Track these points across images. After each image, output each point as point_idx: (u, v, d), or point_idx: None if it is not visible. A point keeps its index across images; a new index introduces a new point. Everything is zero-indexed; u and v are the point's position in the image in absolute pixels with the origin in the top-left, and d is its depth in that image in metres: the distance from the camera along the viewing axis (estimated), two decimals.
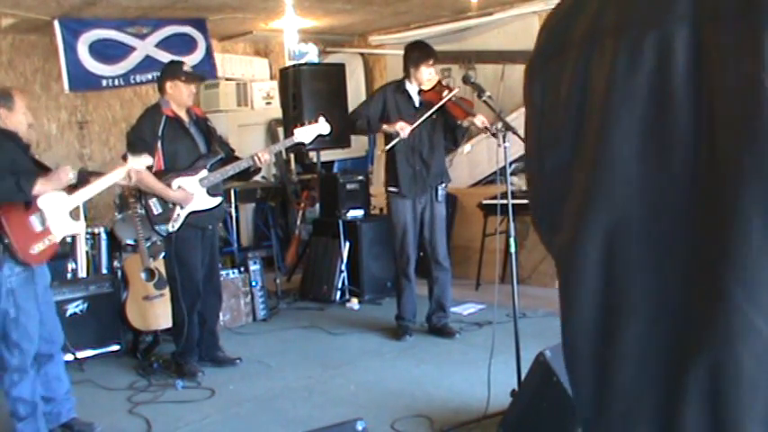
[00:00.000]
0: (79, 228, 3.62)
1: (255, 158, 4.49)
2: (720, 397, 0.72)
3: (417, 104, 5.02)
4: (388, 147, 4.92)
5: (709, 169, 0.72)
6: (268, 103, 8.28)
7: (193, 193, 4.40)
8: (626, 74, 0.78)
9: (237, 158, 4.62)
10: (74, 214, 3.57)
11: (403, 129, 4.84)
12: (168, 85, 4.48)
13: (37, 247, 3.42)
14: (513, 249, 3.72)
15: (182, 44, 6.83)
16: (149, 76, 6.75)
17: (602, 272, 0.83)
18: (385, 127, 4.93)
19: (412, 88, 5.04)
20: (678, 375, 0.75)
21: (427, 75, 4.96)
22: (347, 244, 6.34)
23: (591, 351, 0.86)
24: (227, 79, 8.11)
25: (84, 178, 3.72)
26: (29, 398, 3.48)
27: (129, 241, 5.34)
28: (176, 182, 4.36)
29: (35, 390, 3.51)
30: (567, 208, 0.87)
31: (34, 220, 3.45)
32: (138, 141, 4.35)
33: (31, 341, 3.45)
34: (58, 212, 3.48)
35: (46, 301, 3.61)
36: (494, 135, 3.92)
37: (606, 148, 0.81)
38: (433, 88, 4.98)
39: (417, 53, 5.01)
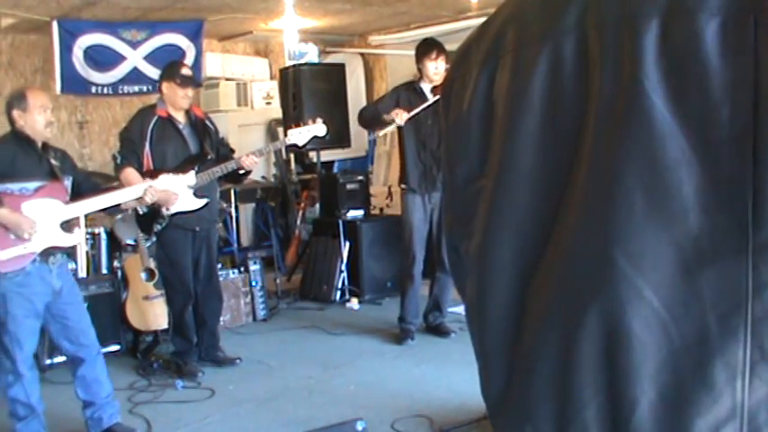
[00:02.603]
0: (68, 240, 3.50)
1: (241, 161, 4.44)
2: (614, 359, 0.80)
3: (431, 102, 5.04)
4: (380, 133, 4.95)
5: (594, 157, 0.81)
6: (268, 103, 8.27)
7: (178, 193, 4.36)
8: (524, 83, 0.88)
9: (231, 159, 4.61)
10: (68, 225, 3.48)
11: (398, 114, 4.84)
12: (164, 85, 4.51)
13: (7, 253, 3.33)
14: None
15: (170, 59, 6.78)
16: (135, 89, 6.82)
17: (513, 272, 0.90)
18: (384, 116, 4.93)
19: (425, 86, 5.04)
20: (575, 339, 0.83)
21: (433, 69, 4.95)
22: (347, 244, 6.34)
23: (503, 349, 0.93)
24: (227, 79, 8.10)
25: (92, 188, 3.72)
26: (24, 400, 3.47)
27: (129, 241, 5.34)
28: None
29: (32, 392, 3.48)
30: (476, 215, 0.95)
31: None
32: (125, 141, 4.45)
33: (21, 347, 3.40)
34: (45, 222, 3.40)
35: (69, 302, 3.56)
36: None
37: (509, 151, 0.89)
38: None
39: (422, 48, 5.03)
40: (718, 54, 0.73)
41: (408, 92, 5.08)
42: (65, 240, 3.49)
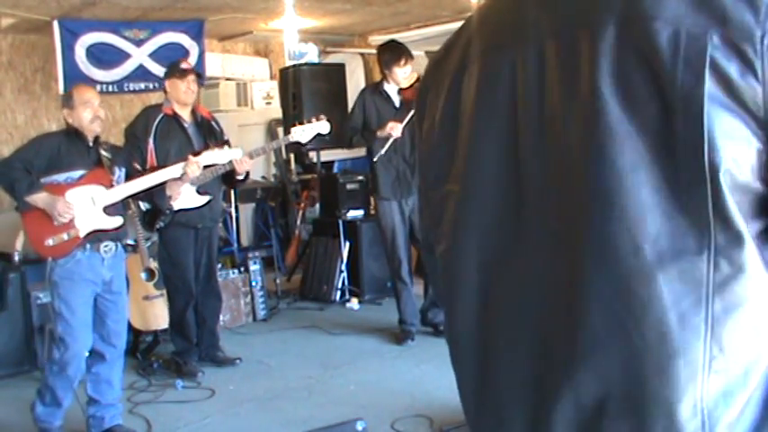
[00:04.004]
0: (111, 223, 3.58)
1: (235, 163, 4.39)
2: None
3: (397, 105, 4.99)
4: (382, 151, 4.85)
5: (556, 176, 0.83)
6: (268, 103, 8.27)
7: (180, 190, 4.37)
8: (487, 91, 0.91)
9: None
10: (111, 209, 3.57)
11: (393, 128, 4.79)
12: (167, 84, 4.58)
13: (52, 240, 3.43)
14: None
15: (174, 57, 6.80)
16: (141, 86, 6.80)
17: (479, 276, 0.93)
18: (379, 133, 4.89)
19: (390, 88, 5.01)
20: (545, 383, 0.84)
21: (402, 74, 4.92)
22: (347, 244, 6.34)
23: (473, 353, 0.97)
24: (227, 79, 8.10)
25: (132, 172, 3.81)
26: (59, 394, 3.51)
27: (129, 241, 5.32)
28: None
29: (68, 393, 3.53)
30: (444, 220, 0.99)
31: None
32: (129, 136, 4.51)
33: (75, 339, 3.44)
34: (87, 206, 3.49)
35: (114, 301, 3.61)
36: None
37: (474, 159, 0.93)
38: (411, 85, 4.91)
39: (388, 55, 4.98)
40: (671, 63, 0.75)
41: (374, 96, 5.05)
42: (107, 223, 3.56)
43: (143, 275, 4.97)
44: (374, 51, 8.38)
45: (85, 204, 3.50)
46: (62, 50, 6.45)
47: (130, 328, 4.97)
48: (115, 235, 3.61)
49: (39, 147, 3.60)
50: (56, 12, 6.26)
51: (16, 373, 4.66)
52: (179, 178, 4.04)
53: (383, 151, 4.85)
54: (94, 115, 3.60)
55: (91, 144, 3.62)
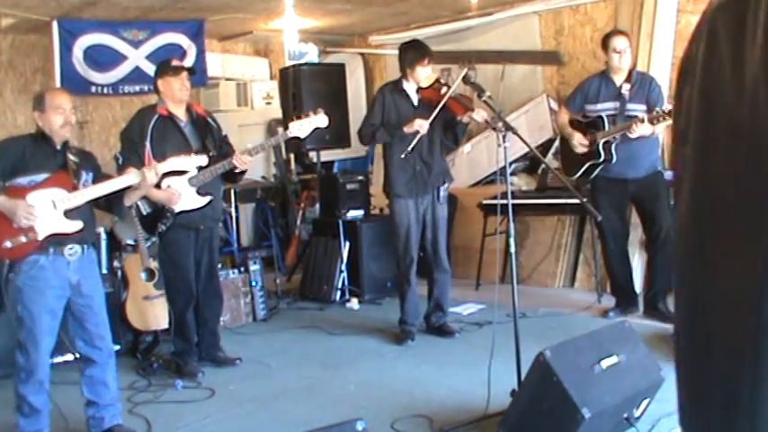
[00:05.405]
0: (71, 227, 3.49)
1: (234, 159, 4.35)
2: None
3: (416, 103, 4.97)
4: (410, 147, 4.73)
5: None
6: (268, 103, 8.27)
7: (181, 192, 4.33)
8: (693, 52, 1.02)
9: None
10: (72, 213, 3.49)
11: (422, 126, 4.71)
12: (160, 83, 4.49)
13: (11, 242, 3.36)
14: (512, 249, 3.71)
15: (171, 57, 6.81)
16: (137, 88, 6.81)
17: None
18: (406, 129, 4.82)
19: (409, 87, 4.98)
20: None
21: (424, 74, 4.89)
22: (347, 244, 6.34)
23: None
24: (227, 79, 8.10)
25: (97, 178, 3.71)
26: (32, 400, 3.48)
27: (129, 241, 5.34)
28: (165, 181, 4.27)
29: (41, 397, 3.50)
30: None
31: None
32: (126, 140, 4.43)
33: (37, 346, 3.41)
34: (48, 210, 3.42)
35: (88, 305, 3.56)
36: (494, 129, 3.92)
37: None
38: (431, 86, 4.88)
39: (412, 54, 4.94)
40: None
41: (394, 94, 5.00)
42: (67, 227, 3.48)
43: (143, 275, 4.98)
44: (374, 51, 8.43)
45: (46, 207, 3.42)
46: (60, 51, 6.46)
47: (130, 328, 4.99)
48: (80, 237, 3.52)
49: (2, 151, 3.52)
50: (56, 12, 6.27)
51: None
52: (138, 186, 3.68)
53: (411, 148, 4.74)
54: (65, 121, 3.53)
55: (59, 147, 3.55)
